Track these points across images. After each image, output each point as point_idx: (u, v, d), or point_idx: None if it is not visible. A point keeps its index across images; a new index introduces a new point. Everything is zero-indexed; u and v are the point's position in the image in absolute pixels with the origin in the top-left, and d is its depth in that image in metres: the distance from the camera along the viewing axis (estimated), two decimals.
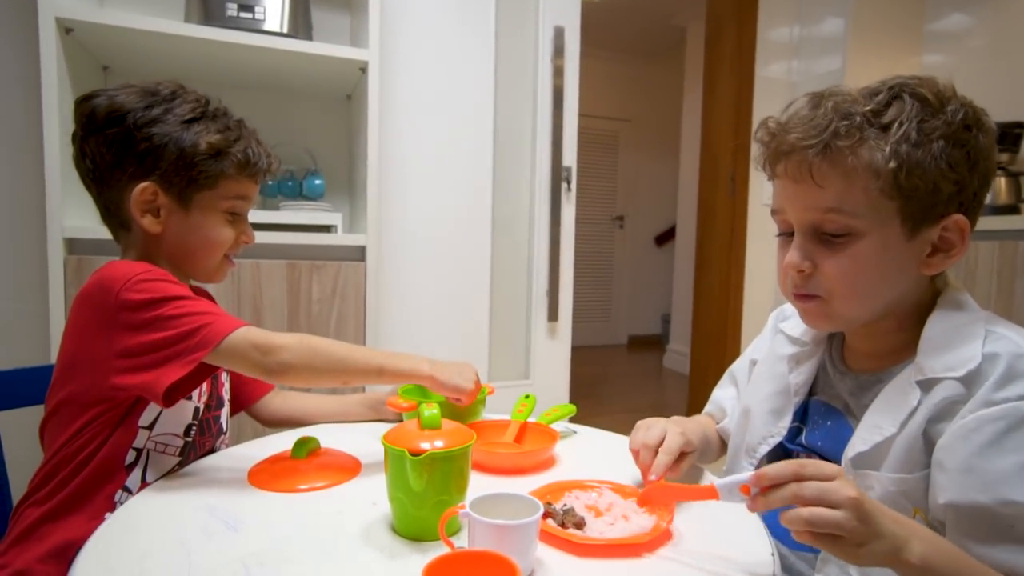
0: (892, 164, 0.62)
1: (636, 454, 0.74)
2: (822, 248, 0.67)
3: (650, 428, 0.75)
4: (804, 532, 0.52)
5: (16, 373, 0.94)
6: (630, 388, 4.10)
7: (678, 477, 0.74)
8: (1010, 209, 2.06)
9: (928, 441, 0.62)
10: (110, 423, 0.76)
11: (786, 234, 0.71)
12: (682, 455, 0.74)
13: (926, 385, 0.64)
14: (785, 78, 2.74)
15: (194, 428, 0.83)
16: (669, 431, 0.74)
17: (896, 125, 0.62)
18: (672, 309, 4.68)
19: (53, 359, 1.36)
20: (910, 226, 0.65)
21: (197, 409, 0.84)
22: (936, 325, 0.66)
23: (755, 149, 0.73)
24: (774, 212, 0.73)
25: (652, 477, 0.70)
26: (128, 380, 0.72)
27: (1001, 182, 2.08)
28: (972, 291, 1.90)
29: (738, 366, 0.95)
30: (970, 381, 0.61)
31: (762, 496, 0.55)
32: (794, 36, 2.72)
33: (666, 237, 5.46)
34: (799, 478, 0.53)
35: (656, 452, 0.72)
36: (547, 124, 2.22)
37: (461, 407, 0.85)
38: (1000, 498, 0.56)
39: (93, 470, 0.75)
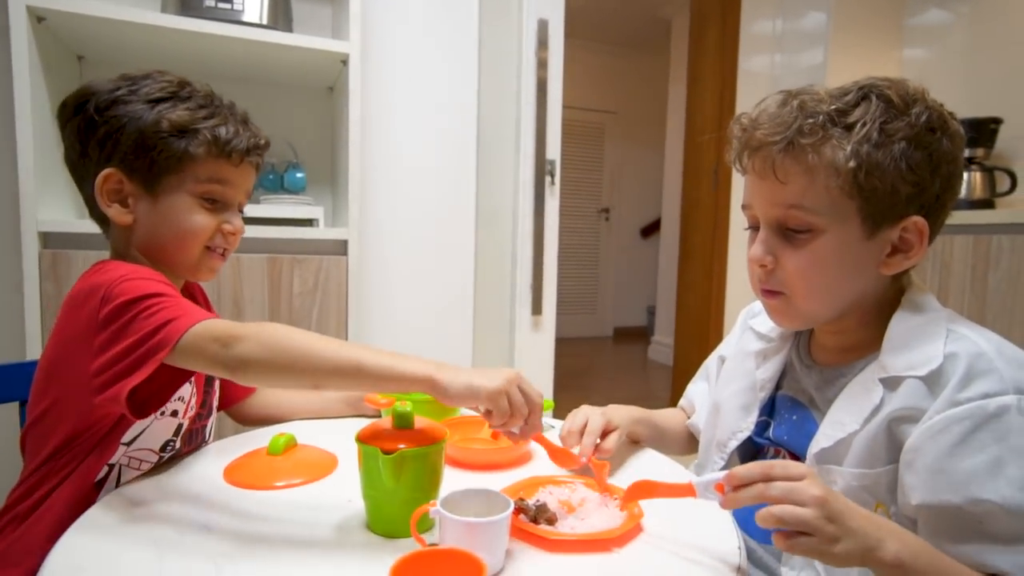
0: (852, 163, 0.63)
1: (563, 441, 0.80)
2: (784, 243, 0.69)
3: (575, 415, 0.82)
4: (778, 535, 0.54)
5: None
6: (615, 380, 4.13)
7: (609, 456, 0.79)
8: (984, 204, 2.09)
9: (891, 437, 0.64)
10: (92, 440, 0.73)
11: (755, 228, 0.73)
12: (605, 433, 0.81)
13: (889, 383, 0.65)
14: (768, 72, 2.76)
15: (172, 444, 0.81)
16: (591, 414, 0.80)
17: (859, 125, 0.63)
18: (657, 301, 4.71)
19: (28, 355, 1.37)
20: (869, 225, 0.66)
21: (180, 426, 0.81)
22: (899, 324, 0.67)
23: (731, 144, 0.74)
24: (744, 207, 0.74)
25: (583, 460, 0.76)
26: (102, 397, 0.65)
27: (976, 177, 2.11)
28: (947, 284, 1.95)
29: (710, 361, 0.97)
30: (932, 381, 0.62)
31: (733, 494, 0.56)
32: (777, 30, 2.73)
33: (651, 229, 5.48)
34: (767, 478, 0.54)
35: (581, 436, 0.78)
36: (531, 117, 2.22)
37: (494, 423, 0.66)
38: (970, 497, 0.58)
39: (68, 487, 0.72)
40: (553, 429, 0.97)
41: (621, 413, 0.86)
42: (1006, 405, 0.58)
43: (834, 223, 0.66)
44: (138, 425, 0.75)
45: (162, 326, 0.63)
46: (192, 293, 0.93)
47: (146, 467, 0.78)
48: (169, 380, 0.67)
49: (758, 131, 0.67)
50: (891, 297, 0.71)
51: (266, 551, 0.59)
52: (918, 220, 0.66)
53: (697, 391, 0.97)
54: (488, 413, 0.65)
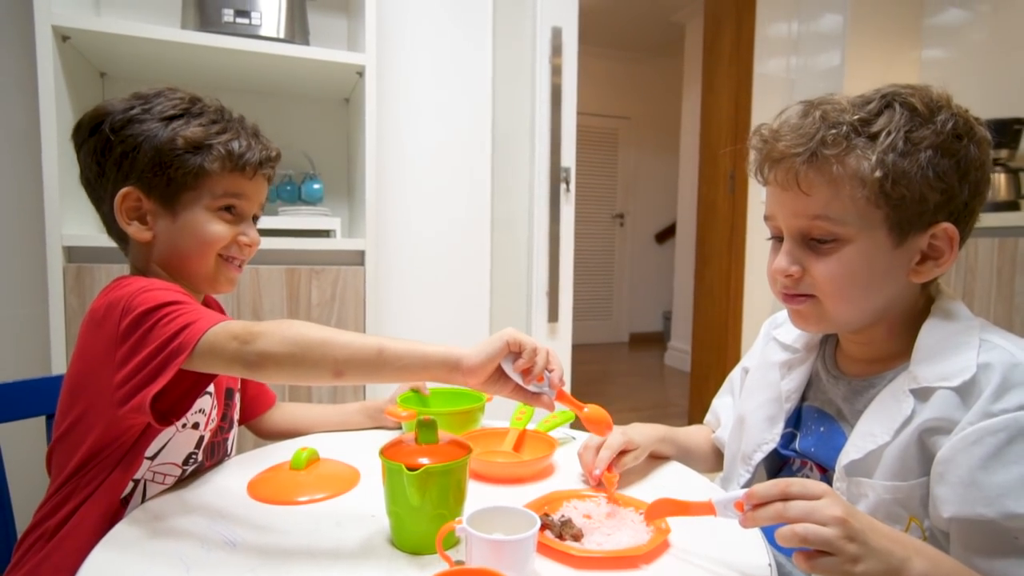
0: (878, 173, 0.62)
1: (581, 457, 0.80)
2: (810, 253, 0.68)
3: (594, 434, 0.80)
4: (800, 555, 0.53)
5: (16, 386, 0.94)
6: (632, 386, 4.10)
7: (620, 471, 0.79)
8: (1010, 206, 2.05)
9: (923, 449, 0.63)
10: (116, 455, 0.73)
11: (777, 239, 0.72)
12: (623, 452, 0.80)
13: (920, 394, 0.64)
14: (784, 75, 2.74)
15: (194, 457, 0.81)
16: (612, 432, 0.79)
17: (884, 134, 0.63)
18: (673, 306, 4.68)
19: (53, 368, 1.38)
20: (897, 234, 0.65)
21: (201, 438, 0.81)
22: (930, 334, 0.66)
23: (750, 155, 0.73)
24: (766, 218, 0.73)
25: (596, 472, 0.76)
26: (126, 408, 0.65)
27: (1001, 178, 2.08)
28: (972, 288, 1.92)
29: (734, 374, 0.96)
30: (966, 392, 0.61)
31: (752, 513, 0.55)
32: (793, 32, 2.71)
33: (666, 234, 5.45)
34: (785, 497, 0.54)
35: (598, 451, 0.78)
36: (545, 125, 2.22)
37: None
38: (1004, 511, 0.56)
39: (95, 503, 0.72)
40: (575, 441, 0.97)
41: (644, 432, 0.85)
42: None
43: (861, 232, 0.65)
44: (161, 438, 0.76)
45: (180, 331, 0.64)
46: (209, 307, 0.93)
47: (170, 481, 0.79)
48: (191, 386, 0.67)
49: (780, 143, 0.66)
50: (921, 306, 0.69)
51: (292, 567, 0.58)
52: (948, 227, 0.65)
53: (722, 405, 0.96)
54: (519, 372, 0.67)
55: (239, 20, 1.55)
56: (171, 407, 0.66)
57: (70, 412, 0.74)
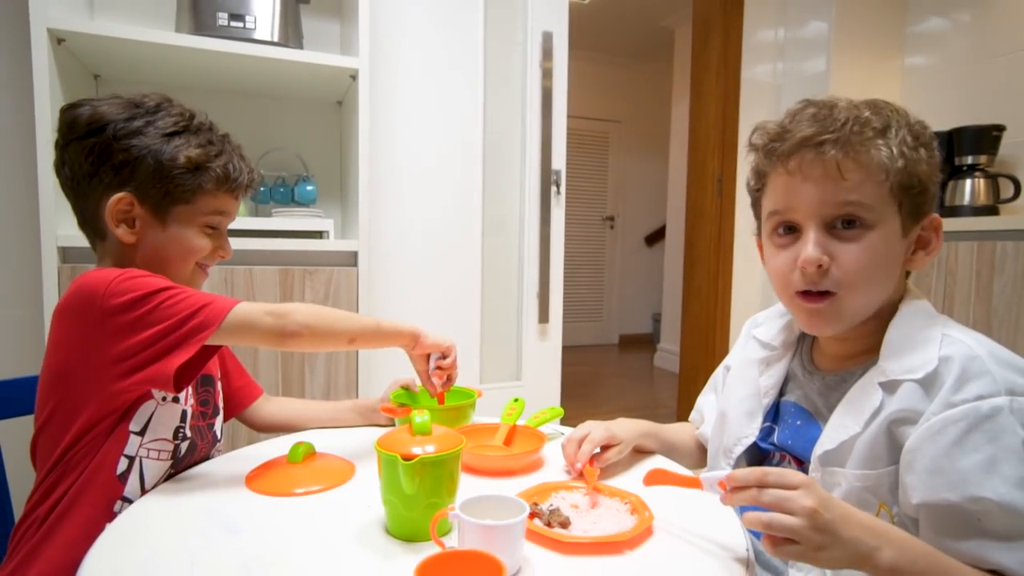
0: (900, 163, 0.67)
1: (564, 448, 0.83)
2: (835, 242, 0.69)
3: (581, 427, 0.84)
4: (767, 539, 0.56)
5: (10, 384, 0.95)
6: (622, 387, 4.14)
7: (603, 466, 0.82)
8: (988, 210, 2.11)
9: (891, 439, 0.66)
10: (104, 432, 0.76)
11: (787, 232, 0.73)
12: (607, 447, 0.83)
13: (888, 387, 0.67)
14: (771, 80, 2.78)
15: (183, 431, 0.84)
16: (595, 426, 0.84)
17: (894, 130, 0.68)
18: (663, 308, 4.73)
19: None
20: (905, 223, 0.70)
21: (185, 412, 0.84)
22: (897, 330, 0.70)
23: (751, 153, 0.75)
24: (774, 212, 0.74)
25: (578, 465, 0.80)
26: (132, 380, 0.72)
27: (980, 183, 2.13)
28: (952, 290, 1.96)
29: (717, 372, 0.99)
30: (928, 384, 0.65)
31: (730, 494, 0.59)
32: (779, 39, 2.76)
33: (656, 237, 5.50)
34: (762, 484, 0.57)
35: (580, 445, 0.81)
36: (536, 128, 2.25)
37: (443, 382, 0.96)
38: (967, 495, 0.60)
39: (88, 482, 0.75)
40: (563, 436, 0.99)
41: (627, 427, 0.88)
42: (999, 406, 0.61)
43: (882, 219, 0.69)
44: (143, 412, 0.78)
45: (199, 309, 0.73)
46: None
47: (165, 456, 0.81)
48: (197, 358, 0.74)
49: (801, 133, 0.68)
50: (893, 305, 0.73)
51: (292, 555, 0.61)
52: (935, 217, 0.72)
53: (706, 403, 0.99)
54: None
55: (233, 23, 1.56)
56: (191, 371, 0.74)
57: (48, 402, 0.77)
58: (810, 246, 0.69)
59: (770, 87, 2.78)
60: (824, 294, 0.70)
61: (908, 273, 0.76)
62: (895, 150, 0.67)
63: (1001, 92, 2.23)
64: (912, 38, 2.58)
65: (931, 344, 0.67)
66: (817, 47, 2.58)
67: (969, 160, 2.15)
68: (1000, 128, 2.12)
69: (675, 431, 0.98)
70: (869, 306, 0.72)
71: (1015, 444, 0.60)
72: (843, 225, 0.69)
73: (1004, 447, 0.60)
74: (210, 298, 0.75)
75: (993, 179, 2.12)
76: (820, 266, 0.69)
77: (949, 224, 1.97)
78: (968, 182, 2.14)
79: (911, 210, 0.69)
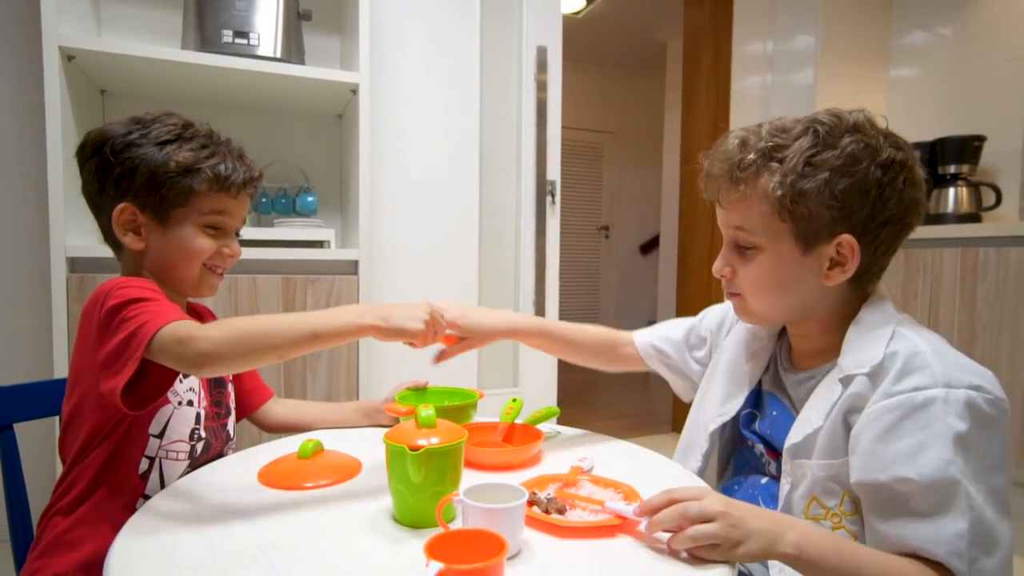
0: (779, 192, 0.72)
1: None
2: (739, 258, 0.80)
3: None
4: (695, 549, 0.61)
5: (28, 387, 0.98)
6: (618, 395, 4.18)
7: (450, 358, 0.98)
8: (971, 218, 2.17)
9: (847, 429, 0.72)
10: (115, 431, 0.80)
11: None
12: (452, 339, 0.99)
13: (845, 381, 0.73)
14: (760, 92, 2.85)
15: (198, 432, 0.88)
16: (443, 305, 0.99)
17: (789, 159, 0.72)
18: (657, 316, 4.77)
19: (56, 375, 1.43)
20: (803, 244, 0.75)
21: (199, 415, 0.89)
22: (856, 329, 0.76)
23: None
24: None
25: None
26: (103, 388, 0.72)
27: (963, 192, 2.19)
28: (938, 295, 2.02)
29: (699, 325, 1.06)
30: (875, 376, 0.70)
31: (655, 518, 0.63)
32: (768, 52, 2.83)
33: (650, 246, 5.56)
34: (674, 501, 0.63)
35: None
36: (531, 139, 2.30)
37: (417, 346, 0.88)
38: (894, 476, 0.65)
39: (109, 480, 0.80)
40: (560, 435, 1.04)
41: (483, 320, 1.04)
42: (932, 397, 0.66)
43: (771, 242, 0.76)
44: (161, 416, 0.83)
45: (139, 328, 0.71)
46: (199, 313, 1.02)
47: (183, 456, 0.86)
48: (163, 378, 0.74)
49: (712, 166, 0.79)
50: (855, 306, 0.78)
51: (307, 540, 0.65)
52: (847, 238, 0.73)
53: (663, 338, 1.12)
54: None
55: (238, 40, 1.62)
56: (148, 393, 0.73)
57: (70, 400, 0.82)
58: (718, 260, 0.83)
59: (759, 99, 2.85)
60: (735, 293, 0.83)
61: (879, 277, 0.79)
62: (778, 180, 0.72)
63: (981, 103, 2.30)
64: (897, 51, 2.65)
65: (882, 340, 0.72)
66: (804, 60, 2.65)
67: (952, 169, 2.21)
68: (981, 138, 2.19)
69: (578, 330, 1.13)
70: (779, 312, 0.81)
71: (944, 431, 0.64)
72: (743, 243, 0.78)
73: (933, 434, 0.64)
74: (155, 315, 0.71)
75: (975, 188, 2.19)
76: (723, 275, 0.82)
77: (934, 231, 2.03)
78: (951, 191, 2.21)
79: (806, 233, 0.73)
